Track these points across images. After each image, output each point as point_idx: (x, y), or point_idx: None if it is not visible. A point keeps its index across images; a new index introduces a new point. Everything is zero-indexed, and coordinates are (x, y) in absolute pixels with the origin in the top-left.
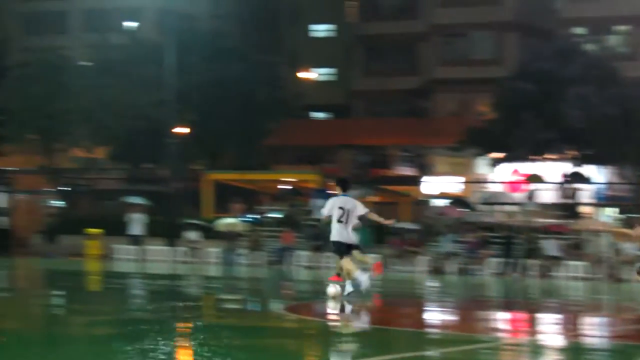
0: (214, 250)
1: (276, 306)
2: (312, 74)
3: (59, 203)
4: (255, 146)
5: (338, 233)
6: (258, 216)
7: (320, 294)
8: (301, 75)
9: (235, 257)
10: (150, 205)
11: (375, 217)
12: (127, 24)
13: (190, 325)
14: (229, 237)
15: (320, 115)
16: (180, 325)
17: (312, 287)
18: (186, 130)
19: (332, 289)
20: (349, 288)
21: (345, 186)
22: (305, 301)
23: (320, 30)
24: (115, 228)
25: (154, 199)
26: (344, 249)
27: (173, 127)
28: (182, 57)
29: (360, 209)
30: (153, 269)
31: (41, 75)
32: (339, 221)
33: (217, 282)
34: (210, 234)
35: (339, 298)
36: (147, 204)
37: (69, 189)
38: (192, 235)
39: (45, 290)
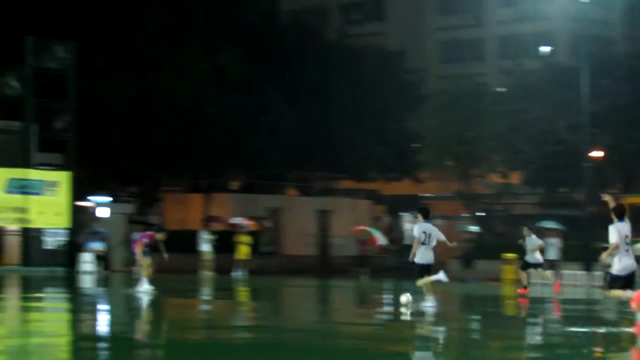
0: None
1: None
2: None
3: (475, 228)
4: None
5: (424, 255)
6: None
7: None
8: None
9: None
10: (565, 230)
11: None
12: (542, 48)
13: (604, 350)
14: None
15: None
16: (597, 349)
17: None
18: (601, 153)
19: (404, 298)
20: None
21: (426, 214)
22: None
23: None
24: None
25: (569, 223)
26: (425, 269)
27: (588, 151)
28: (596, 80)
29: (440, 235)
30: (568, 293)
31: (458, 102)
32: (423, 243)
33: None
34: None
35: (411, 306)
36: (562, 228)
37: (484, 214)
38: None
39: (461, 314)
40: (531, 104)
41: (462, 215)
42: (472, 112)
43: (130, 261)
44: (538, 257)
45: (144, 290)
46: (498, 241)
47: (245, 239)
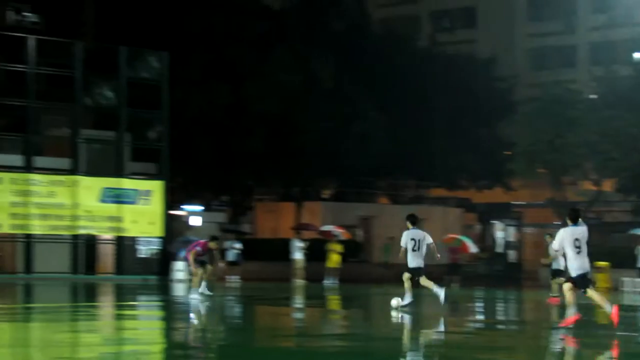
0: None
1: None
2: None
3: None
4: None
5: (414, 260)
6: None
7: None
8: None
9: None
10: None
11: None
12: (635, 55)
13: None
14: None
15: None
16: None
17: None
18: None
19: (395, 301)
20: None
21: (414, 221)
22: None
23: None
24: (624, 260)
25: None
26: (420, 272)
27: None
28: None
29: (429, 239)
30: None
31: (549, 109)
32: (414, 250)
33: None
34: None
35: (399, 309)
36: None
37: None
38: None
39: (551, 323)
40: (623, 110)
41: (554, 223)
42: (563, 119)
43: (221, 269)
44: (562, 263)
45: (197, 296)
46: (591, 249)
47: (337, 247)
